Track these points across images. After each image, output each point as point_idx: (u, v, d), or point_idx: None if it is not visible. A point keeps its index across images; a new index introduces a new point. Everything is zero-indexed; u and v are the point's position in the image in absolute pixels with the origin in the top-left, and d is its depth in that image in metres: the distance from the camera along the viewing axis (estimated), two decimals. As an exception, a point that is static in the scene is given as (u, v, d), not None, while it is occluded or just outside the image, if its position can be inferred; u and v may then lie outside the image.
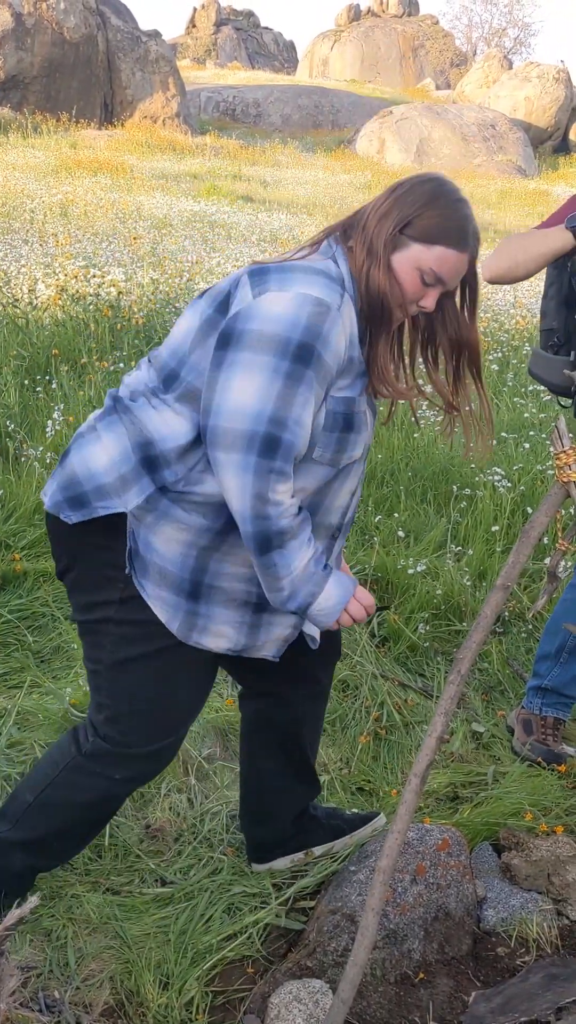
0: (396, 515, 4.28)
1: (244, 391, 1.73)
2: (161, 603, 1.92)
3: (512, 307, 8.81)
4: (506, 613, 3.72)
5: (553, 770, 2.77)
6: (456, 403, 2.11)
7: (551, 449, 1.85)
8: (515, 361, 6.70)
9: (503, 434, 5.20)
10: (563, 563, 2.07)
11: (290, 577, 1.84)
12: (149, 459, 1.88)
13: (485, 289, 9.11)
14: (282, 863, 2.32)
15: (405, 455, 4.98)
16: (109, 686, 1.99)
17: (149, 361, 1.99)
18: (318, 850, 2.34)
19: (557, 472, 1.82)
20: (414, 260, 1.86)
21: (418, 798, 1.71)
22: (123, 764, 2.01)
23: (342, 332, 1.79)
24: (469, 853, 2.29)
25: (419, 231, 1.84)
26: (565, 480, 1.80)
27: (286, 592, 1.85)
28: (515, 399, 5.93)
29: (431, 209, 1.85)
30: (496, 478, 4.50)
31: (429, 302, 1.90)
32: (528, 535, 1.81)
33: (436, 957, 2.09)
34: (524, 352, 7.07)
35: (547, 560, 2.99)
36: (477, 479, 4.57)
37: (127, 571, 1.91)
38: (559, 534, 1.93)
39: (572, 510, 3.67)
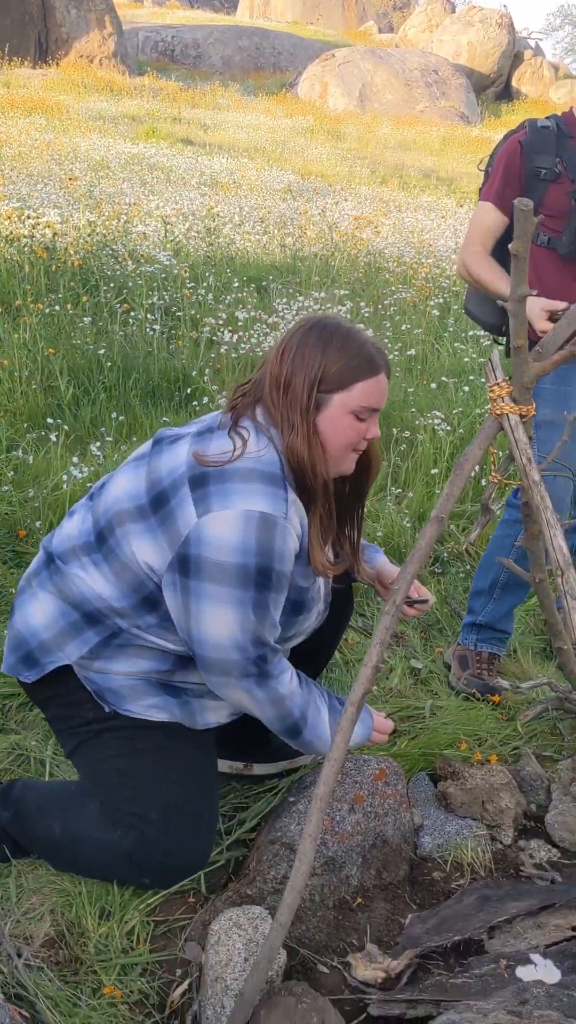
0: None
1: (219, 626, 1.80)
2: (155, 711, 2.01)
3: (454, 252, 8.79)
4: (444, 553, 3.77)
5: (488, 702, 2.83)
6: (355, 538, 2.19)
7: (486, 382, 1.87)
8: (456, 307, 6.70)
9: (443, 378, 5.22)
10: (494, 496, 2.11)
11: (322, 741, 1.98)
12: (88, 615, 1.96)
13: (427, 234, 9.08)
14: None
15: (346, 400, 4.97)
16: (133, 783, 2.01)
17: (89, 505, 2.03)
18: (259, 768, 2.39)
19: (491, 405, 1.83)
20: (342, 408, 1.87)
21: (353, 725, 1.74)
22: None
23: (293, 535, 1.82)
24: (406, 783, 2.34)
25: (331, 383, 1.85)
26: (498, 413, 1.82)
27: (322, 750, 1.99)
28: (455, 344, 5.95)
29: (329, 356, 1.85)
30: (436, 421, 4.53)
31: (374, 430, 1.94)
32: (462, 468, 1.82)
33: (374, 882, 2.14)
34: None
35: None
36: (417, 423, 4.59)
37: (107, 710, 1.99)
38: (492, 468, 1.95)
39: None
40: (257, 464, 1.81)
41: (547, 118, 2.88)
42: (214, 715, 2.07)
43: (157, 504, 1.86)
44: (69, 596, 1.97)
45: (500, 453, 2.05)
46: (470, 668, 2.97)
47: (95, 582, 1.94)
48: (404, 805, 2.25)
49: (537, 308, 2.57)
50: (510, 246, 1.60)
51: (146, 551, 1.87)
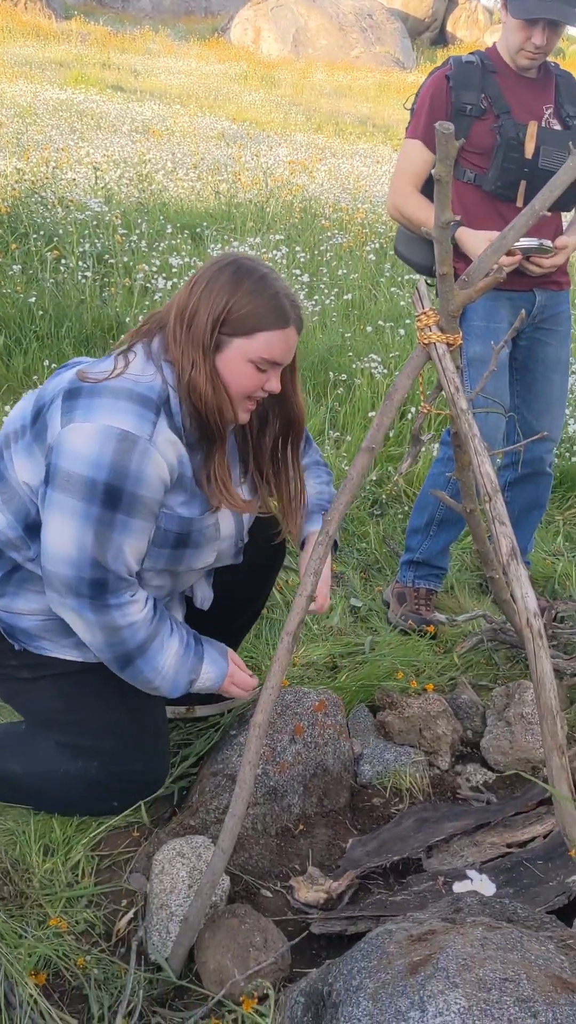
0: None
1: (60, 537, 1.75)
2: (69, 651, 2.00)
3: (390, 199, 8.76)
4: (383, 496, 3.81)
5: (424, 635, 2.89)
6: (283, 497, 2.10)
7: (413, 312, 1.88)
8: (392, 252, 6.69)
9: (380, 322, 5.22)
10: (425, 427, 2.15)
11: (160, 676, 1.92)
12: None
13: (363, 180, 9.02)
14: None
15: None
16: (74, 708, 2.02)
17: None
18: (201, 710, 2.41)
19: (418, 334, 1.84)
20: (241, 355, 1.80)
21: (290, 655, 1.76)
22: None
23: (157, 461, 1.74)
24: (346, 714, 2.39)
25: (235, 326, 1.77)
26: (426, 342, 1.83)
27: (163, 688, 1.94)
28: (392, 289, 5.95)
29: (238, 298, 1.76)
30: (373, 365, 4.54)
31: (273, 384, 1.86)
32: (391, 398, 1.84)
33: (315, 810, 2.18)
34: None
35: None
36: (355, 367, 4.60)
37: (17, 648, 1.98)
38: (422, 397, 1.96)
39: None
40: (133, 385, 1.75)
41: (471, 54, 2.87)
42: None
43: (35, 418, 1.85)
44: None
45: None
46: (408, 604, 3.02)
47: None
48: (344, 735, 2.29)
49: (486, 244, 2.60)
50: (432, 171, 1.60)
51: (24, 468, 1.86)
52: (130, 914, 1.87)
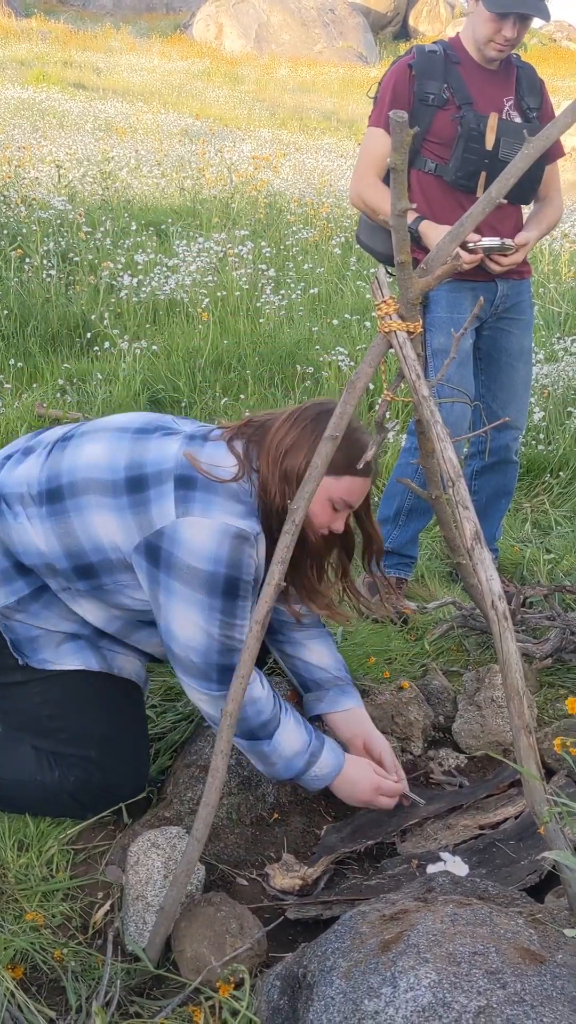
0: (243, 397, 4.29)
1: (187, 627, 1.85)
2: (70, 658, 2.03)
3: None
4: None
5: (395, 624, 2.91)
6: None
7: (373, 300, 1.89)
8: (358, 246, 6.71)
9: (346, 315, 5.24)
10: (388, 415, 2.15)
11: (278, 752, 1.95)
12: (22, 565, 1.97)
13: (327, 175, 9.03)
14: None
15: (252, 341, 4.97)
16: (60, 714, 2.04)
17: (47, 454, 2.00)
18: None
19: (379, 323, 1.85)
20: (324, 492, 1.91)
21: (259, 644, 1.77)
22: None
23: (260, 552, 1.88)
24: (318, 703, 2.40)
25: (329, 466, 1.84)
26: (386, 330, 1.85)
27: (279, 765, 1.97)
28: (358, 282, 5.97)
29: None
30: (340, 358, 4.56)
31: (339, 525, 1.98)
32: (354, 386, 1.85)
33: (289, 798, 2.20)
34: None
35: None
36: (322, 360, 4.62)
37: (20, 663, 2.01)
38: (384, 385, 1.98)
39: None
40: (240, 491, 1.87)
41: (434, 43, 2.89)
42: (125, 666, 2.10)
43: (134, 487, 1.89)
44: (6, 541, 1.98)
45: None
46: (379, 594, 3.04)
47: (36, 536, 1.95)
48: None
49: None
50: (387, 160, 1.61)
51: (110, 527, 1.90)
52: (106, 906, 1.88)
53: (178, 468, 1.88)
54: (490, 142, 2.79)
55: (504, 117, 2.82)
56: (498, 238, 2.77)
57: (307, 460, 1.88)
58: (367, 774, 2.05)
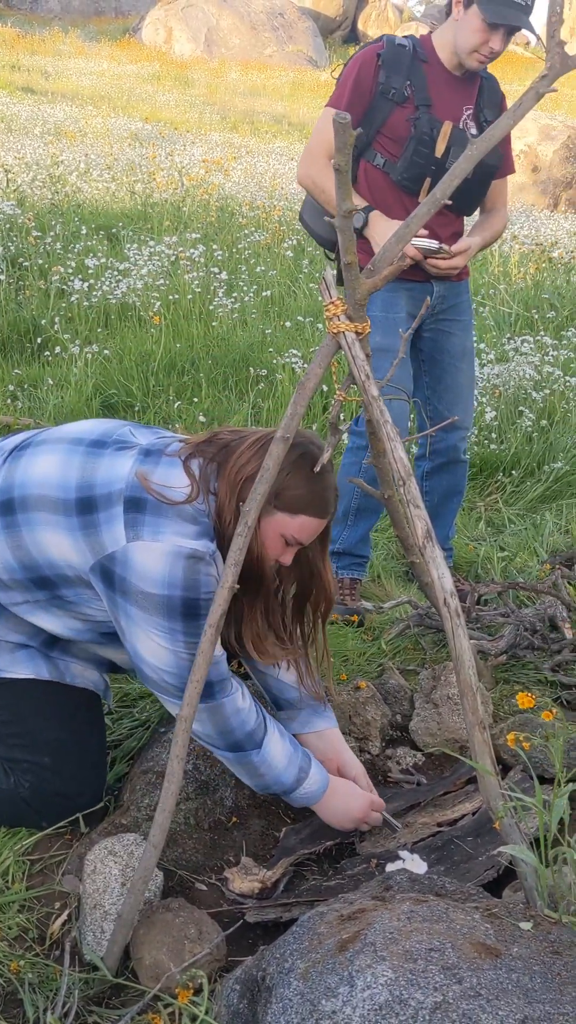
0: (196, 400, 4.28)
1: (153, 652, 1.83)
2: (20, 666, 2.00)
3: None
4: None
5: (350, 623, 2.92)
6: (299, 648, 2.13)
7: (322, 300, 1.90)
8: (310, 248, 6.74)
9: (299, 318, 5.25)
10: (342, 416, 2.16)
11: (267, 764, 1.93)
12: None
13: (279, 178, 9.04)
14: None
15: (205, 344, 4.96)
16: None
17: (2, 464, 1.97)
18: None
19: (327, 324, 1.86)
20: (278, 527, 1.89)
21: (213, 647, 1.76)
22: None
23: (218, 572, 1.83)
24: (275, 705, 2.39)
25: (285, 502, 1.87)
26: (335, 331, 1.85)
27: (269, 778, 1.95)
28: (311, 284, 5.98)
29: (296, 479, 1.87)
30: (293, 360, 4.56)
31: (287, 559, 1.95)
32: (304, 387, 1.85)
33: (247, 802, 2.19)
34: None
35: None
36: (275, 362, 4.62)
37: None
38: (336, 386, 1.98)
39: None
40: (194, 513, 1.83)
41: (405, 37, 2.87)
42: (80, 675, 2.07)
43: (84, 508, 1.85)
44: None
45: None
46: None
47: None
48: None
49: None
50: (332, 161, 1.62)
51: (63, 546, 1.87)
52: (64, 916, 1.86)
53: (128, 489, 1.84)
54: (440, 150, 2.80)
55: (460, 126, 2.82)
56: (436, 242, 2.79)
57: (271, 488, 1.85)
58: (357, 791, 2.04)
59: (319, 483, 1.90)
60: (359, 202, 2.82)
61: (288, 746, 1.97)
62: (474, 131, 2.85)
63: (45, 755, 2.02)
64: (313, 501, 1.90)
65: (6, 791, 2.01)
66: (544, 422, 4.45)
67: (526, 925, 1.40)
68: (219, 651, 1.89)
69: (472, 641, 2.71)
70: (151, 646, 1.83)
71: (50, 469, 1.91)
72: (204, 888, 1.97)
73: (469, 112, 2.88)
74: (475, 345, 3.38)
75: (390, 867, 1.91)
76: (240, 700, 1.91)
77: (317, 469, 1.89)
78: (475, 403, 3.26)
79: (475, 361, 3.27)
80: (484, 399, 4.58)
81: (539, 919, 1.43)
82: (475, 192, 2.91)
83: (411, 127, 2.78)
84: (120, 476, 1.86)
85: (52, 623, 1.98)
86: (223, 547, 1.85)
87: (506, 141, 2.97)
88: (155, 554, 1.78)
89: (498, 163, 2.90)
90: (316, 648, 2.14)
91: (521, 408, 4.52)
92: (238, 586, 1.76)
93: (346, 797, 2.02)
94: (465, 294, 3.08)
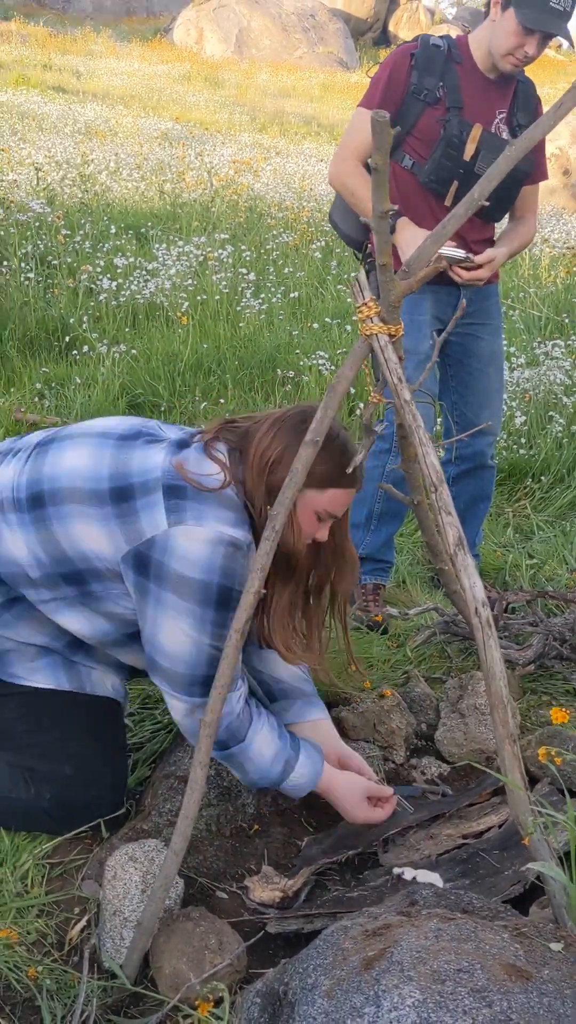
0: (223, 401, 4.25)
1: (177, 638, 1.80)
2: (39, 675, 1.98)
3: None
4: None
5: (375, 628, 2.88)
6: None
7: (354, 303, 1.87)
8: (339, 250, 6.70)
9: (327, 319, 5.22)
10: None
11: (249, 759, 1.91)
12: None
13: (308, 179, 9.02)
14: None
15: (232, 345, 4.94)
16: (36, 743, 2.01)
17: (27, 459, 1.94)
18: None
19: (360, 326, 1.83)
20: (309, 505, 1.88)
21: (238, 653, 1.73)
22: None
23: (250, 564, 1.81)
24: (299, 711, 2.36)
25: (313, 478, 1.83)
26: (367, 333, 1.82)
27: (253, 772, 1.92)
28: (338, 286, 5.95)
29: (319, 455, 1.81)
30: (320, 362, 4.53)
31: (323, 534, 1.94)
32: (335, 390, 1.82)
33: (270, 809, 2.16)
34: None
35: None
36: (302, 364, 4.59)
37: None
38: (369, 388, 1.95)
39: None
40: (230, 500, 1.83)
41: (440, 37, 2.83)
42: (99, 682, 2.05)
43: (119, 496, 1.84)
44: None
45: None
46: (357, 602, 3.01)
47: (14, 544, 1.90)
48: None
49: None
50: (369, 160, 1.59)
51: (95, 537, 1.85)
52: (83, 922, 1.84)
53: (166, 477, 1.83)
54: (469, 152, 2.75)
55: (493, 131, 2.78)
56: (463, 251, 2.75)
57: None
58: (360, 780, 2.03)
59: (343, 454, 1.89)
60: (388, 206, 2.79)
61: (276, 740, 1.93)
62: (507, 135, 2.80)
63: (66, 766, 2.00)
64: (340, 472, 1.88)
65: (26, 801, 1.99)
66: (575, 427, 4.39)
67: (556, 946, 1.36)
68: (238, 693, 1.88)
69: (500, 651, 2.68)
70: (176, 635, 1.81)
71: (80, 461, 1.90)
72: (225, 896, 1.95)
73: (503, 116, 2.83)
74: (505, 349, 3.34)
75: (408, 874, 1.90)
76: (235, 701, 1.88)
77: (349, 471, 1.87)
78: (504, 408, 3.22)
79: (504, 365, 3.22)
80: (514, 404, 4.53)
81: (570, 940, 1.39)
82: (505, 197, 2.87)
83: (441, 128, 2.74)
84: (156, 465, 1.86)
85: (78, 623, 1.95)
86: (255, 534, 1.85)
87: (540, 147, 2.93)
88: (198, 539, 1.77)
89: (530, 168, 2.86)
90: (338, 628, 2.13)
91: (551, 413, 4.47)
92: (264, 590, 1.73)
93: (349, 787, 2.01)
94: (494, 297, 3.04)
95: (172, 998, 1.62)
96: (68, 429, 2.02)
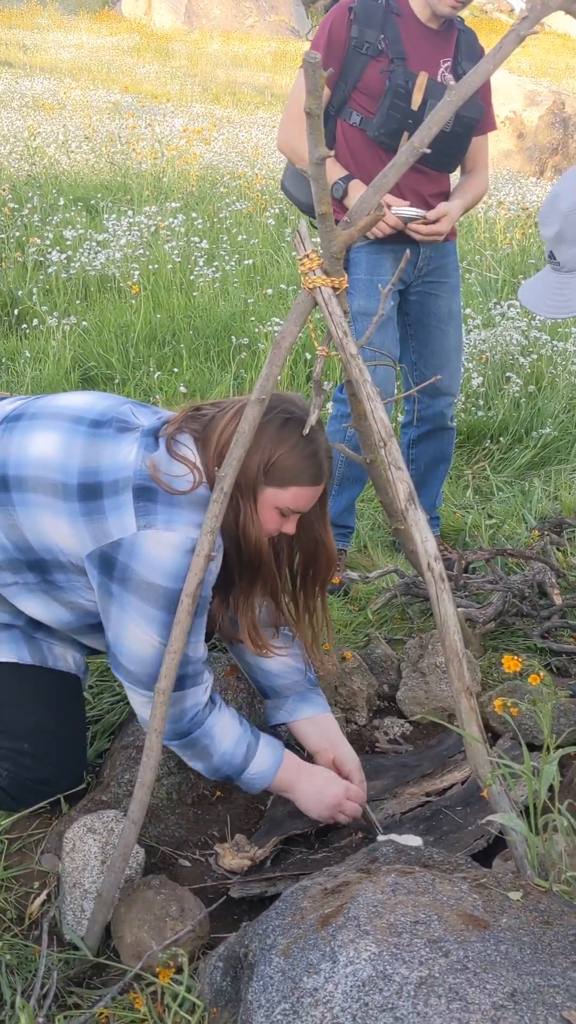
0: (177, 371, 4.20)
1: (139, 639, 1.76)
2: (4, 650, 1.94)
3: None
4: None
5: (337, 594, 2.86)
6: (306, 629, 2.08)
7: (296, 255, 1.83)
8: (293, 217, 6.62)
9: (282, 286, 5.17)
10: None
11: (213, 746, 1.86)
12: None
13: (261, 148, 8.91)
14: None
15: (186, 314, 4.88)
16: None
17: None
18: None
19: (302, 279, 1.78)
20: (270, 502, 1.83)
21: (190, 617, 1.70)
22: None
23: (218, 568, 1.81)
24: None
25: (274, 476, 1.80)
26: (310, 286, 1.78)
27: (215, 759, 1.87)
28: (293, 253, 5.88)
29: (283, 453, 1.81)
30: (276, 329, 4.48)
31: (290, 528, 1.89)
32: (279, 346, 1.78)
33: (232, 776, 2.14)
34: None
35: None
36: (257, 331, 4.54)
37: None
38: (315, 343, 1.91)
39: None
40: (201, 500, 1.78)
41: None
42: (61, 657, 2.01)
43: (87, 494, 1.79)
44: None
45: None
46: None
47: None
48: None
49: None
50: (303, 105, 1.54)
51: (60, 532, 1.80)
52: (43, 896, 1.81)
53: (137, 478, 1.77)
54: (416, 102, 2.71)
55: (439, 80, 2.74)
56: (418, 209, 2.72)
57: (259, 463, 1.79)
58: (335, 777, 1.96)
59: (308, 448, 1.83)
60: (339, 170, 2.74)
61: (238, 725, 1.90)
62: (452, 82, 2.75)
63: (25, 741, 1.95)
64: (304, 469, 1.83)
65: None
66: (532, 387, 4.38)
67: (515, 895, 1.35)
68: (203, 652, 1.85)
69: (460, 608, 2.67)
70: (139, 638, 1.77)
71: (49, 450, 1.83)
72: (188, 864, 1.93)
73: (447, 64, 2.79)
74: (462, 311, 3.30)
75: (381, 837, 1.88)
76: (200, 693, 1.85)
77: (306, 432, 1.83)
78: (462, 369, 3.19)
79: (463, 326, 3.19)
80: (471, 365, 4.51)
81: (529, 888, 1.39)
82: (456, 146, 2.83)
83: (386, 80, 2.69)
84: (127, 463, 1.79)
85: (38, 609, 1.91)
86: (247, 552, 1.85)
87: (487, 96, 2.89)
88: (168, 545, 1.73)
89: (478, 116, 2.82)
90: (317, 618, 2.07)
91: (508, 374, 4.45)
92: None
93: (323, 782, 1.94)
94: (451, 256, 3.00)
95: (134, 967, 1.60)
96: (39, 404, 1.94)
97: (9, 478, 1.84)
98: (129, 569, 1.74)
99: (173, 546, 1.73)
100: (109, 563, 1.76)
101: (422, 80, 2.70)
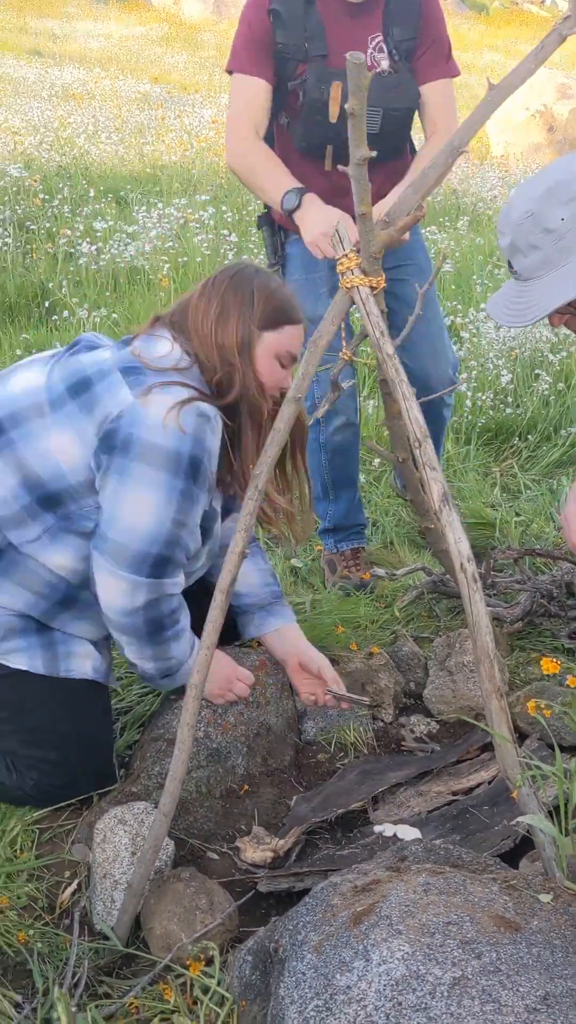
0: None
1: (139, 510, 1.75)
2: (15, 656, 1.93)
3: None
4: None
5: (361, 590, 2.87)
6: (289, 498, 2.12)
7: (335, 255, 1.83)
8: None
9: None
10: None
11: (178, 642, 1.91)
12: None
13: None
14: None
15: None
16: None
17: None
18: None
19: (340, 279, 1.79)
20: (271, 349, 1.88)
21: (223, 614, 1.71)
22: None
23: (219, 436, 1.83)
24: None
25: (265, 320, 1.86)
26: (348, 286, 1.78)
27: (176, 656, 1.93)
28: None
29: (260, 294, 1.87)
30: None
31: (288, 381, 1.92)
32: (316, 344, 1.78)
33: (260, 769, 2.16)
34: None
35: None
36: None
37: None
38: (344, 347, 1.91)
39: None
40: (190, 376, 1.84)
41: None
42: (78, 663, 2.00)
43: (77, 390, 1.83)
44: None
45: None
46: (338, 570, 2.99)
47: None
48: (286, 693, 2.26)
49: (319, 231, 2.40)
50: (346, 105, 1.54)
51: (64, 445, 1.82)
52: (73, 885, 1.84)
53: (120, 362, 1.83)
54: (334, 115, 2.47)
55: (369, 64, 2.48)
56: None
57: (239, 326, 1.86)
58: (228, 662, 2.07)
59: (279, 289, 1.93)
60: (291, 181, 2.50)
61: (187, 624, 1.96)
62: (385, 63, 2.53)
63: (51, 751, 1.96)
64: (285, 307, 1.91)
65: (9, 787, 1.96)
66: (561, 385, 4.36)
67: (545, 898, 1.36)
68: (193, 545, 1.88)
69: (488, 608, 2.67)
70: (138, 507, 1.77)
71: (31, 379, 1.90)
72: (216, 857, 1.95)
73: (376, 41, 2.54)
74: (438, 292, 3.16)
75: (388, 831, 1.91)
76: (178, 588, 1.88)
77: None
78: (454, 356, 2.98)
79: (439, 306, 3.02)
80: (500, 362, 4.49)
81: (559, 891, 1.39)
82: (396, 135, 2.60)
83: (299, 94, 2.47)
84: (105, 357, 1.87)
85: (67, 557, 1.88)
86: (248, 409, 1.89)
87: (433, 30, 2.58)
88: (167, 406, 1.76)
89: (413, 104, 2.56)
90: (301, 478, 2.14)
91: (538, 371, 4.43)
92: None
93: (216, 666, 1.98)
94: (414, 235, 2.75)
95: (163, 958, 1.62)
96: (9, 368, 2.03)
97: (2, 420, 1.87)
98: (131, 436, 1.76)
99: (172, 407, 1.76)
100: (111, 437, 1.78)
101: (336, 92, 2.45)
